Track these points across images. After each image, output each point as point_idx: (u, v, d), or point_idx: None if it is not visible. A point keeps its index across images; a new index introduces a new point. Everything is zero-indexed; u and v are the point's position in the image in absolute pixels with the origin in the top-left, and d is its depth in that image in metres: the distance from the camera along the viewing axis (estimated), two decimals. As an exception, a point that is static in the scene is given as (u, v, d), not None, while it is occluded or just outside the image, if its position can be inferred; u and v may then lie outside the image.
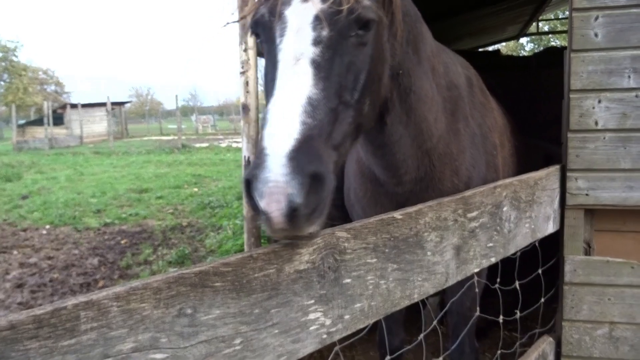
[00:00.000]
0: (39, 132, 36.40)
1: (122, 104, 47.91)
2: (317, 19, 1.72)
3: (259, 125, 1.74)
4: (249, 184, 1.45)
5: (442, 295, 3.74)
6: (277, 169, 1.42)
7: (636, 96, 3.06)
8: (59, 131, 36.33)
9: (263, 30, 1.83)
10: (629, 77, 3.06)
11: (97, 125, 38.94)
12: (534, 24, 13.63)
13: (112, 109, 38.00)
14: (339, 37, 1.75)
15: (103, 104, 37.39)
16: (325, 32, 1.72)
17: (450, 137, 2.77)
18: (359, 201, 3.07)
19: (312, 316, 1.57)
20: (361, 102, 1.88)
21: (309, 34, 1.71)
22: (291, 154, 1.45)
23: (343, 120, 1.77)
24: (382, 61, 2.07)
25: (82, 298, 1.10)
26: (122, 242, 9.19)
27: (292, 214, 1.40)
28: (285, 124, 1.53)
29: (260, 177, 1.42)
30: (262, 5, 1.83)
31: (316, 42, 1.70)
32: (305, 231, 1.47)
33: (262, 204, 1.41)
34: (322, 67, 1.69)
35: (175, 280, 1.24)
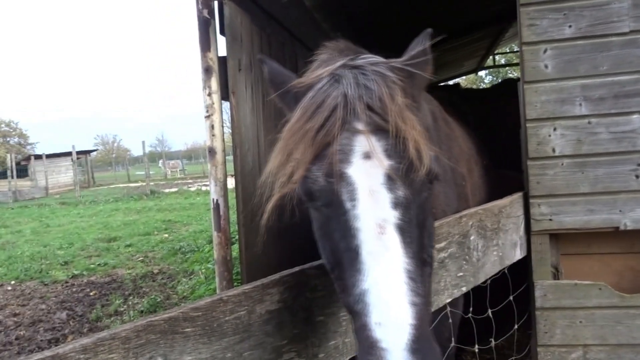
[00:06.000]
0: (2, 185, 35.49)
1: (88, 152, 47.26)
2: (390, 179, 1.53)
3: (338, 279, 1.51)
4: None
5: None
6: None
7: (589, 123, 3.19)
8: (23, 183, 35.54)
9: (322, 195, 1.58)
10: (580, 104, 3.20)
11: (63, 175, 38.26)
12: (491, 57, 14.15)
13: (78, 158, 37.47)
14: (414, 195, 1.58)
15: (68, 154, 36.87)
16: (401, 192, 1.54)
17: None
18: None
19: (286, 357, 1.56)
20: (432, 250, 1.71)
21: (385, 197, 1.52)
22: (412, 346, 1.26)
23: (429, 281, 1.59)
24: None
25: (47, 352, 1.08)
26: (91, 293, 8.91)
27: None
28: (396, 308, 1.34)
29: None
30: (315, 167, 1.58)
31: (395, 205, 1.52)
32: None
33: None
34: (406, 231, 1.51)
35: (144, 329, 1.22)
